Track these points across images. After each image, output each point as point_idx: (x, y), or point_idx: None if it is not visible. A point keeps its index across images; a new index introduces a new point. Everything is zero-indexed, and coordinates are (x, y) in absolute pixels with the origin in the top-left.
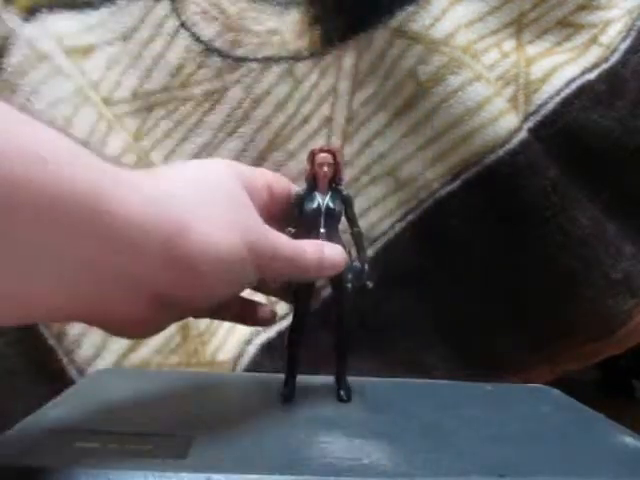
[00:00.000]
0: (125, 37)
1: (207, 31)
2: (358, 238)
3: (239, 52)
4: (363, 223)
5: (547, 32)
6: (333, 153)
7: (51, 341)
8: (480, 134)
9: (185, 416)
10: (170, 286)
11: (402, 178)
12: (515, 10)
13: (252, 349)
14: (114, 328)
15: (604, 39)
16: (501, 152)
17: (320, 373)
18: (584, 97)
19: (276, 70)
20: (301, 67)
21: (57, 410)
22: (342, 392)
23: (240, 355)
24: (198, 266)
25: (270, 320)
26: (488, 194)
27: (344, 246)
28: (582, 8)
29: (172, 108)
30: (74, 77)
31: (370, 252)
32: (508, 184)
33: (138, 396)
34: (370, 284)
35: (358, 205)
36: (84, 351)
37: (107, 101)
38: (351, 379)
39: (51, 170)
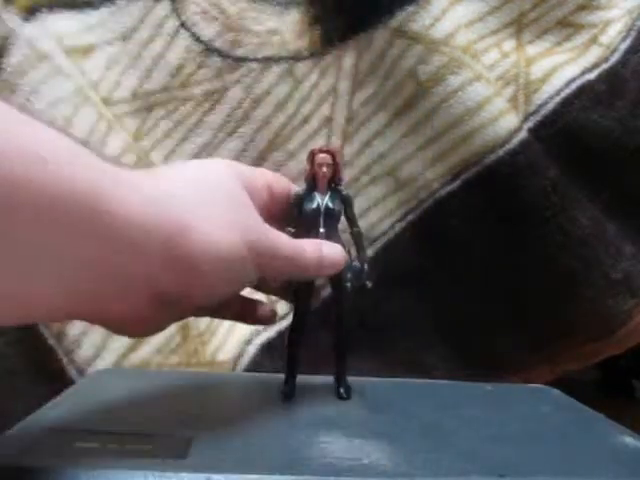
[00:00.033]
0: (125, 37)
1: (207, 31)
2: (358, 238)
3: (239, 52)
4: (363, 223)
5: (547, 32)
6: (332, 153)
7: (51, 341)
8: (480, 134)
9: (185, 416)
10: (170, 285)
11: (402, 178)
12: (515, 10)
13: (252, 349)
14: (114, 326)
15: (604, 39)
16: (501, 152)
17: (320, 373)
18: (584, 97)
19: (276, 70)
20: (301, 67)
21: (57, 410)
22: (342, 390)
23: (240, 355)
24: (199, 265)
25: (270, 319)
26: (488, 194)
27: (344, 246)
28: (582, 8)
29: (172, 108)
30: (74, 77)
31: (370, 252)
32: (508, 184)
33: (138, 396)
34: (369, 284)
35: (358, 205)
36: (84, 351)
37: (107, 101)
38: (351, 379)
39: (51, 170)
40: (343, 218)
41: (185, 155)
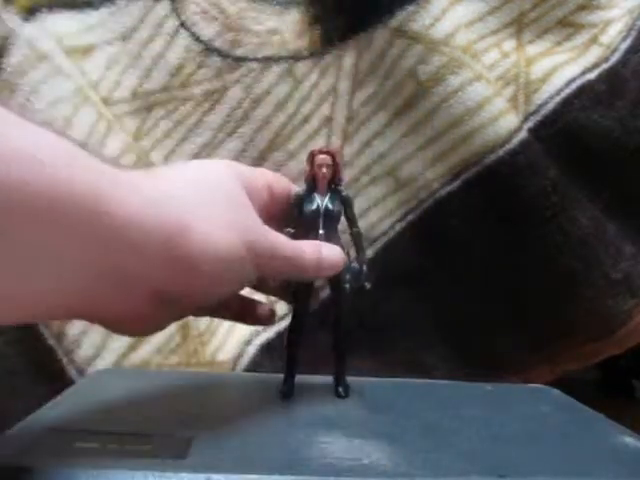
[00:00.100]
0: (125, 37)
1: (207, 31)
2: (357, 239)
3: (239, 52)
4: (363, 223)
5: (547, 32)
6: (332, 154)
7: (51, 341)
8: (480, 134)
9: (185, 416)
10: (170, 284)
11: (402, 178)
12: (515, 10)
13: (252, 349)
14: (114, 326)
15: (604, 39)
16: (501, 152)
17: (319, 373)
18: (584, 97)
19: (276, 70)
20: (301, 67)
21: (57, 410)
22: (340, 389)
23: (240, 355)
24: (198, 265)
25: (270, 319)
26: (488, 194)
27: (343, 247)
28: (582, 8)
29: (172, 108)
30: (74, 77)
31: (370, 252)
32: (508, 184)
33: (138, 396)
34: (368, 285)
35: (358, 205)
36: (84, 351)
37: (107, 101)
38: (351, 379)
39: (48, 173)
40: (343, 219)
41: (185, 155)
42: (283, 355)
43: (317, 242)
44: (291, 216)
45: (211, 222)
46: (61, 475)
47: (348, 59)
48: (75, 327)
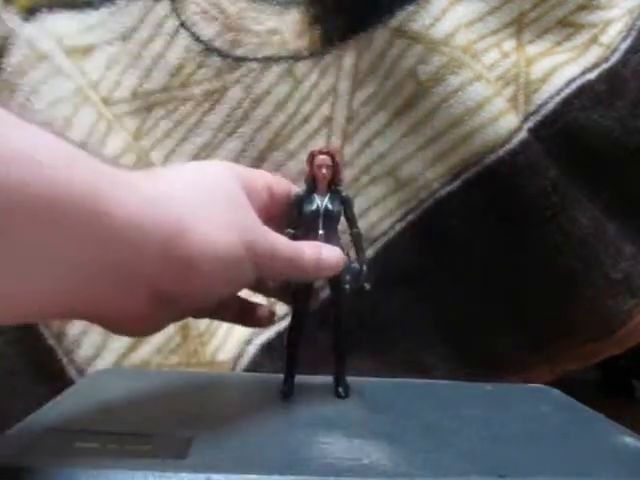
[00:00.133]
0: (125, 37)
1: (207, 31)
2: (357, 239)
3: (239, 52)
4: (363, 223)
5: (547, 32)
6: (332, 155)
7: (51, 341)
8: (480, 134)
9: (185, 416)
10: (169, 284)
11: (402, 178)
12: (515, 10)
13: (252, 349)
14: (113, 325)
15: (604, 39)
16: (501, 152)
17: (319, 373)
18: (584, 97)
19: (276, 70)
20: (301, 67)
21: (57, 410)
22: (340, 389)
23: (240, 355)
24: (197, 265)
25: (269, 321)
26: (488, 194)
27: (342, 247)
28: (582, 8)
29: (172, 108)
30: (74, 77)
31: (370, 252)
32: (508, 184)
33: (138, 396)
34: (368, 285)
35: (358, 205)
36: (84, 351)
37: (107, 101)
38: (351, 379)
39: (48, 174)
40: (343, 219)
41: (185, 155)
42: (283, 355)
43: (317, 243)
44: (291, 217)
45: (210, 222)
46: (61, 475)
47: (348, 59)
48: (75, 327)
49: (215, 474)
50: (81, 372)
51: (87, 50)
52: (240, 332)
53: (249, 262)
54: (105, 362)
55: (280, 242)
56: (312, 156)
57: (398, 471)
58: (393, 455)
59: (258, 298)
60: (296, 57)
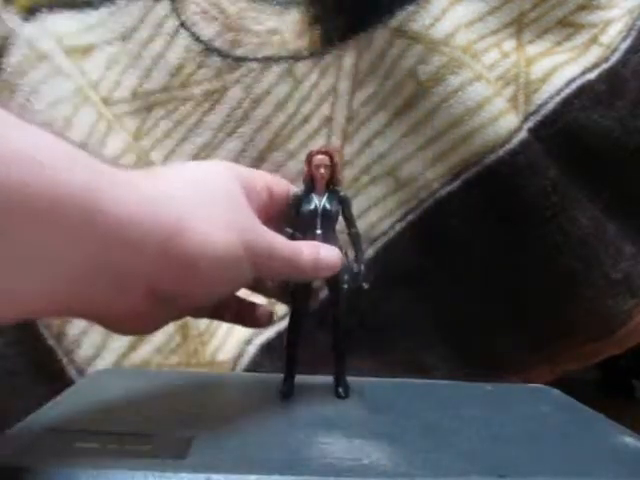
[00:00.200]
0: (125, 37)
1: (207, 31)
2: (355, 239)
3: (239, 52)
4: (363, 223)
5: (547, 32)
6: (330, 155)
7: (51, 341)
8: (480, 134)
9: (185, 416)
10: (168, 283)
11: (402, 178)
12: (515, 10)
13: (252, 349)
14: (112, 324)
15: (604, 39)
16: (501, 152)
17: (318, 374)
18: (584, 97)
19: (276, 70)
20: (301, 67)
21: (57, 410)
22: (340, 389)
23: (240, 355)
24: (197, 264)
25: (268, 321)
26: (488, 194)
27: (341, 247)
28: (582, 8)
29: (172, 108)
30: (74, 77)
31: (370, 252)
32: (508, 184)
33: (138, 396)
34: (366, 285)
35: (358, 205)
36: (84, 351)
37: (107, 101)
38: (350, 379)
39: (48, 174)
40: (341, 219)
41: (185, 155)
42: (283, 355)
43: (315, 243)
44: (289, 216)
45: (210, 222)
46: (61, 475)
47: (348, 59)
48: (75, 327)
49: (215, 474)
50: (81, 372)
51: (87, 50)
52: (240, 332)
53: (248, 262)
54: (105, 362)
55: (278, 242)
56: (310, 156)
57: (398, 471)
58: (393, 455)
59: (257, 298)
60: (296, 57)
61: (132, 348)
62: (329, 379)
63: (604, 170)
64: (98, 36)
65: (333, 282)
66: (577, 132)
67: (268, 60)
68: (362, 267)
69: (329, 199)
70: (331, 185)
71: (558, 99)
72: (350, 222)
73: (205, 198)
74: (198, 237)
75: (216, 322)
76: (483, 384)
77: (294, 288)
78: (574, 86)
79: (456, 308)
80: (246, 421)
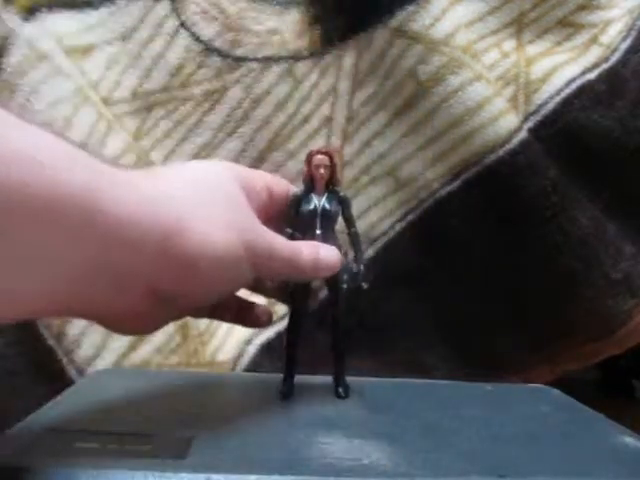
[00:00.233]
0: (125, 37)
1: (207, 31)
2: (355, 239)
3: (239, 52)
4: (363, 223)
5: (547, 32)
6: (330, 155)
7: (51, 341)
8: (480, 134)
9: (185, 416)
10: (167, 283)
11: (402, 178)
12: (515, 10)
13: (252, 349)
14: (112, 324)
15: (604, 39)
16: (501, 152)
17: (318, 374)
18: (584, 97)
19: (276, 70)
20: (301, 67)
21: (57, 410)
22: (340, 389)
23: (240, 355)
24: (196, 264)
25: (267, 321)
26: (488, 194)
27: (340, 247)
28: (582, 8)
29: (172, 108)
30: (74, 77)
31: (370, 252)
32: (508, 184)
33: (138, 396)
34: (365, 285)
35: (358, 205)
36: (84, 351)
37: (107, 101)
38: (350, 379)
39: (48, 174)
40: (341, 219)
41: (185, 155)
42: (283, 355)
43: (314, 243)
44: (289, 216)
45: (210, 222)
46: (61, 475)
47: (348, 59)
48: (75, 327)
49: (215, 474)
50: (81, 372)
51: (87, 50)
52: (240, 332)
53: (247, 262)
54: (105, 362)
55: (278, 242)
56: (310, 156)
57: (398, 471)
58: (393, 455)
59: (257, 298)
60: (296, 57)
61: (132, 348)
62: (329, 379)
63: (604, 170)
64: (98, 36)
65: (332, 282)
66: (577, 132)
67: (268, 60)
68: (361, 267)
69: (329, 199)
70: (331, 185)
71: (558, 99)
72: (350, 222)
73: (205, 198)
74: (198, 237)
75: (216, 322)
76: (483, 384)
77: (293, 288)
78: (574, 86)
79: (456, 308)
80: (246, 421)
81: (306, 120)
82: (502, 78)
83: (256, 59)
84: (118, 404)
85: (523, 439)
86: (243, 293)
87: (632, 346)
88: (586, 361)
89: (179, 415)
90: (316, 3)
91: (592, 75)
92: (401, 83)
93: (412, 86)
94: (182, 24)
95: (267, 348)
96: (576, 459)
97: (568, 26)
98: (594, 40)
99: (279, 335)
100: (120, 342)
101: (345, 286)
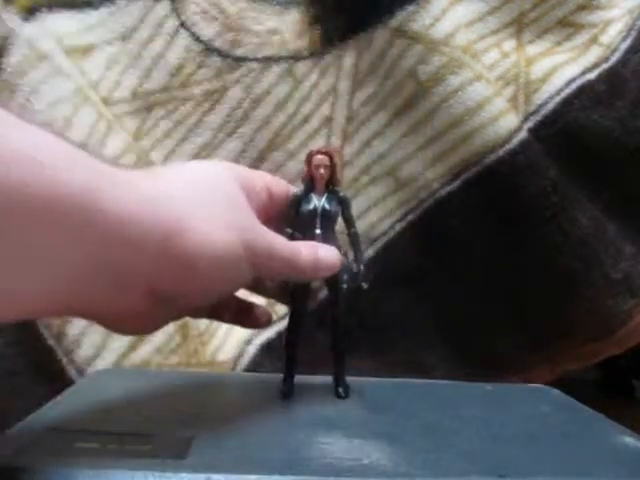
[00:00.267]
0: (125, 37)
1: (207, 31)
2: (355, 239)
3: (239, 52)
4: (363, 223)
5: (547, 32)
6: (330, 155)
7: (51, 341)
8: (480, 134)
9: (185, 416)
10: (167, 283)
11: (402, 178)
12: (515, 10)
13: (252, 349)
14: (112, 323)
15: (604, 39)
16: (501, 152)
17: (318, 374)
18: (584, 97)
19: (276, 70)
20: (301, 67)
21: (57, 410)
22: (340, 389)
23: (240, 355)
24: (196, 264)
25: (267, 322)
26: (488, 194)
27: (340, 247)
28: (582, 8)
29: (172, 108)
30: (74, 77)
31: (370, 252)
32: (508, 184)
33: (138, 396)
34: (365, 285)
35: (358, 205)
36: (84, 351)
37: (107, 101)
38: (350, 379)
39: (48, 174)
40: (340, 219)
41: (185, 155)
42: (283, 355)
43: (314, 243)
44: (288, 216)
45: (210, 222)
46: (61, 475)
47: (348, 59)
48: (75, 327)
49: (215, 474)
50: (81, 372)
51: (87, 50)
52: (240, 332)
53: (247, 262)
54: (105, 362)
55: (278, 242)
56: (310, 156)
57: (398, 471)
58: (393, 455)
59: (256, 298)
60: (296, 57)
61: (132, 348)
62: (329, 379)
63: (604, 170)
64: (98, 36)
65: (332, 282)
66: (577, 132)
67: (268, 60)
68: (361, 267)
69: (328, 199)
70: (331, 185)
71: (558, 99)
72: (349, 222)
73: (205, 198)
74: (198, 237)
75: (216, 322)
76: (483, 384)
77: (293, 288)
78: (574, 86)
79: (456, 308)
80: (246, 421)
81: (306, 120)
82: (502, 78)
83: (256, 59)
84: (118, 404)
85: (523, 439)
86: (243, 293)
87: (632, 346)
88: (586, 361)
89: (179, 415)
90: (316, 3)
91: (592, 75)
92: (401, 83)
93: (412, 86)
94: (182, 24)
95: (267, 348)
96: (576, 459)
97: (568, 26)
98: (594, 40)
99: (279, 335)
100: (120, 342)
101: (345, 286)
